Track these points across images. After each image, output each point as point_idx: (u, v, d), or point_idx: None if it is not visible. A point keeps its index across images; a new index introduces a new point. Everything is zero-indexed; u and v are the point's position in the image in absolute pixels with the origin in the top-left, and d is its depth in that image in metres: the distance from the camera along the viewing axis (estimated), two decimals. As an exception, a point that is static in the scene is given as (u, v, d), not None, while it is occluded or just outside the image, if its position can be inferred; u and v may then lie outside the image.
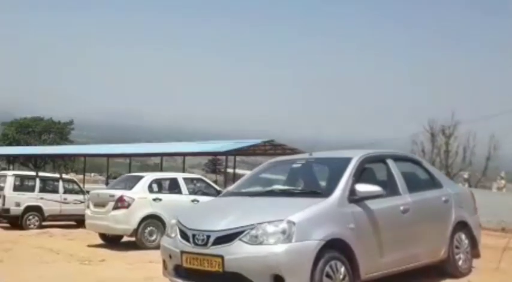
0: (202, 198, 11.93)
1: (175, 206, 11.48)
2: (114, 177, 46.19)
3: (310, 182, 6.15)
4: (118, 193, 11.32)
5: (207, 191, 12.40)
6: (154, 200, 11.36)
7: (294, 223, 4.86)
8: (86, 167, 44.22)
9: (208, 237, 5.05)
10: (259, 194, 5.90)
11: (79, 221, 19.53)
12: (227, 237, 4.96)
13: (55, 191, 19.22)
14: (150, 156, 31.34)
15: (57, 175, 19.88)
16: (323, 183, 5.93)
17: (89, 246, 12.14)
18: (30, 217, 18.33)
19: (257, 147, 25.57)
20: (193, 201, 11.77)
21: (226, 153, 23.01)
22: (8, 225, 18.79)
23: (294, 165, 6.37)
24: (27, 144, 62.94)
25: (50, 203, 18.75)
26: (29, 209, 18.32)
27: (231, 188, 6.45)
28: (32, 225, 18.17)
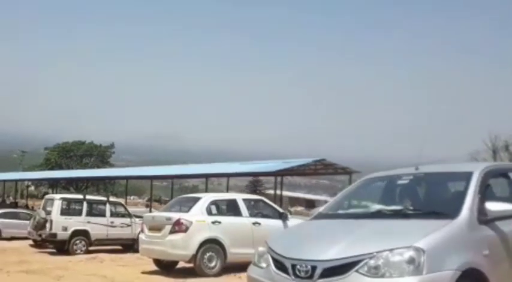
0: (264, 221, 11.08)
1: (236, 230, 10.67)
2: (156, 200, 46.10)
3: (423, 200, 5.20)
4: (175, 216, 10.49)
5: (269, 213, 11.50)
6: (213, 223, 10.47)
7: (423, 250, 3.94)
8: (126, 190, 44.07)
9: (314, 268, 4.17)
10: (365, 216, 4.98)
11: (125, 245, 18.99)
12: (339, 269, 4.07)
13: (102, 214, 18.69)
14: (195, 178, 30.54)
15: (104, 198, 19.34)
16: (442, 202, 4.97)
17: (143, 273, 11.38)
18: (77, 242, 17.79)
19: (307, 166, 24.52)
20: (254, 224, 10.89)
21: (276, 174, 22.03)
22: (53, 250, 18.32)
23: (400, 182, 5.41)
24: (69, 168, 63.60)
25: (97, 226, 18.19)
26: (76, 233, 17.79)
27: (324, 209, 5.54)
28: (78, 250, 17.61)
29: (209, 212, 10.68)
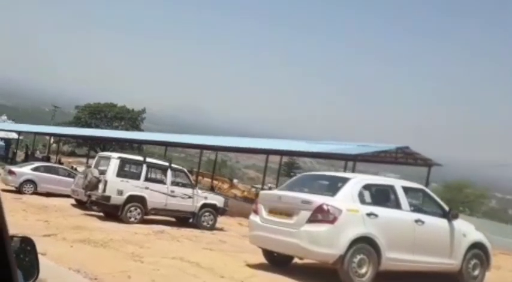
0: (427, 219, 8.23)
1: (395, 228, 7.86)
2: (189, 171, 43.17)
3: None
4: (317, 199, 7.57)
5: (429, 208, 8.61)
6: (368, 215, 7.53)
7: None
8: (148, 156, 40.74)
9: None
10: None
11: (181, 218, 16.46)
12: None
13: (162, 181, 16.18)
14: (254, 153, 27.31)
15: (165, 163, 16.69)
16: None
17: (250, 266, 8.68)
18: (132, 209, 15.35)
19: (388, 153, 21.55)
20: (416, 221, 8.05)
21: (355, 158, 19.10)
22: (100, 214, 15.87)
23: None
24: (98, 128, 61.39)
25: (155, 194, 15.76)
26: (132, 199, 15.37)
27: None
28: (132, 219, 15.27)
29: (362, 200, 7.77)
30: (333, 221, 7.30)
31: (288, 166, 55.69)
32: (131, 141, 38.50)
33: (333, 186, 8.14)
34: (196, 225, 15.91)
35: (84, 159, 46.58)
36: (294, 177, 9.40)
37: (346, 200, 7.62)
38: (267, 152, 24.01)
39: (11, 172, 21.96)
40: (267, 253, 8.75)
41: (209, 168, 46.02)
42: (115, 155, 16.23)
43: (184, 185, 16.50)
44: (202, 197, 16.63)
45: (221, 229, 16.33)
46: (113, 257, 8.89)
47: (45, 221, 12.94)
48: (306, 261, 8.72)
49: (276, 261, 8.69)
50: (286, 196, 8.02)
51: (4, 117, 59.56)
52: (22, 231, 10.36)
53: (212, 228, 16.07)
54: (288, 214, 7.78)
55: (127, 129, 64.16)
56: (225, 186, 38.27)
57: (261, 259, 8.98)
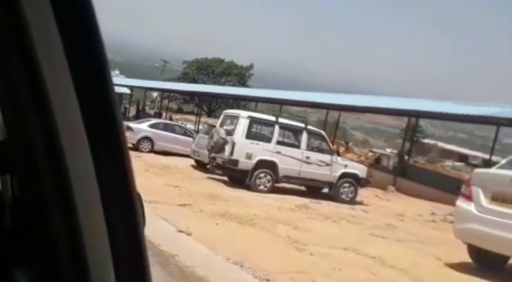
0: None
1: None
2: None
3: None
4: None
5: None
6: None
7: None
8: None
9: None
10: None
11: (311, 188, 14.50)
12: None
13: (296, 145, 14.22)
14: (394, 115, 24.32)
15: (301, 124, 14.61)
16: None
17: (450, 266, 6.46)
18: (261, 175, 13.57)
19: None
20: None
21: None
22: (224, 178, 14.31)
23: None
24: (205, 84, 60.91)
25: (288, 160, 13.89)
26: (261, 164, 13.57)
27: None
28: (261, 186, 13.50)
29: None
30: None
31: (411, 129, 50.95)
32: (242, 99, 36.79)
33: None
34: (333, 197, 13.87)
35: (190, 117, 46.23)
36: None
37: None
38: (410, 114, 21.07)
39: (128, 128, 21.14)
40: (476, 251, 6.44)
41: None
42: (244, 113, 14.45)
43: (321, 151, 14.43)
44: (342, 165, 14.49)
45: (361, 203, 14.17)
46: (269, 242, 7.09)
47: (175, 187, 11.56)
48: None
49: (486, 261, 6.37)
50: None
51: (117, 71, 60.82)
52: (155, 198, 8.97)
53: (352, 201, 13.95)
54: None
55: (234, 86, 63.13)
56: (341, 149, 35.71)
57: (457, 255, 6.78)
